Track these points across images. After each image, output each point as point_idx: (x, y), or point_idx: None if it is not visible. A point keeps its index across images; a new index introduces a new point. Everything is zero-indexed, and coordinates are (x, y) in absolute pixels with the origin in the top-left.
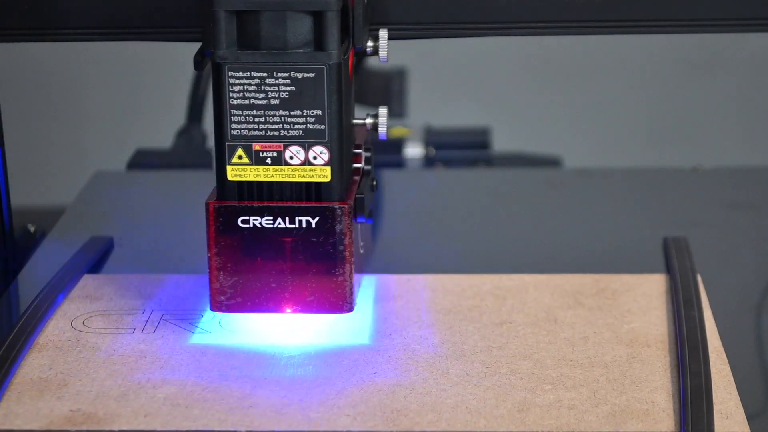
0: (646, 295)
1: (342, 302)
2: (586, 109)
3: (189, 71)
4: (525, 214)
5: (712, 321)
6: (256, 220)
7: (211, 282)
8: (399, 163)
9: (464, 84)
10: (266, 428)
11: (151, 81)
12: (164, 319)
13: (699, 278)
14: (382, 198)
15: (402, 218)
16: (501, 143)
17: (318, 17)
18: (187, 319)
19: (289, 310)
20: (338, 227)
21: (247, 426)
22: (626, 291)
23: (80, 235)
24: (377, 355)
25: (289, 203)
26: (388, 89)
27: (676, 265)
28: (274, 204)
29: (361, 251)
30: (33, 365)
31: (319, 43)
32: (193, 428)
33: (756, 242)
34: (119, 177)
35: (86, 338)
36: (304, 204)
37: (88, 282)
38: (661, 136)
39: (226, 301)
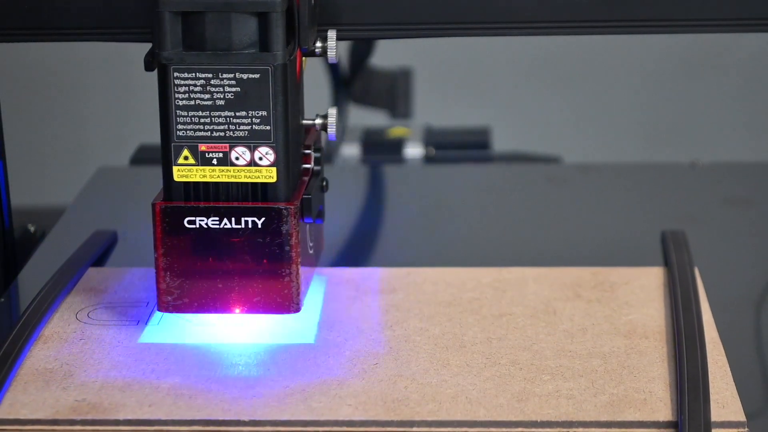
0: (644, 287)
1: (288, 302)
2: (586, 109)
3: None
4: (525, 209)
5: (709, 313)
6: (203, 220)
7: (157, 282)
8: (399, 163)
9: (464, 84)
10: (269, 417)
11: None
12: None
13: (696, 271)
14: (384, 193)
15: (402, 212)
16: (501, 143)
17: (263, 18)
18: None
19: (237, 311)
20: (284, 228)
21: (251, 415)
22: (624, 284)
23: (84, 229)
24: (378, 346)
25: (235, 204)
26: (394, 90)
27: (674, 259)
28: (221, 204)
29: (311, 252)
30: (38, 356)
31: (264, 44)
32: (197, 418)
33: (753, 237)
34: (122, 172)
35: (91, 330)
36: (250, 204)
37: (92, 275)
38: (660, 136)
39: (173, 302)
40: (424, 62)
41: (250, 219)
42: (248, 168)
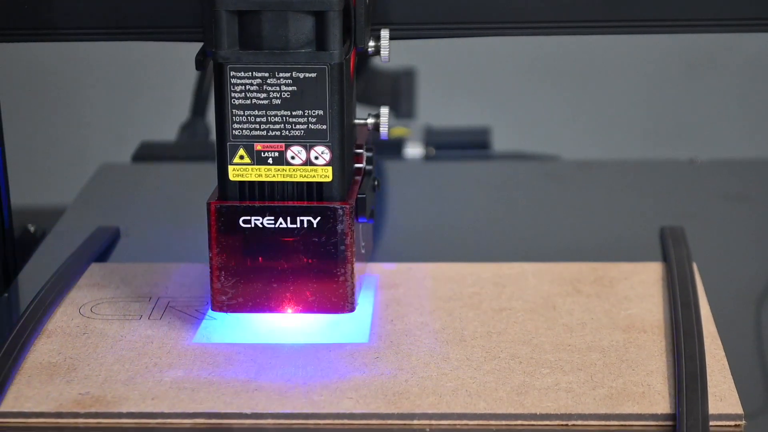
0: (643, 282)
1: (343, 302)
2: (586, 109)
3: (193, 67)
4: (525, 205)
5: (708, 308)
6: (258, 220)
7: (212, 282)
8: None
9: (464, 84)
10: (271, 410)
11: (155, 76)
12: (170, 306)
13: (695, 267)
14: (385, 189)
15: (403, 209)
16: (501, 143)
17: (320, 17)
18: (192, 306)
19: (290, 311)
20: (339, 227)
21: (252, 408)
22: (623, 279)
23: (87, 226)
24: (379, 340)
25: (291, 203)
26: (397, 89)
27: (673, 254)
28: (276, 204)
29: (363, 251)
30: (42, 350)
31: (320, 42)
32: (199, 411)
33: (750, 232)
34: (124, 169)
35: (94, 324)
36: (305, 204)
37: (95, 270)
38: (659, 135)
39: (227, 302)
40: (424, 62)
41: (305, 218)
42: (304, 167)
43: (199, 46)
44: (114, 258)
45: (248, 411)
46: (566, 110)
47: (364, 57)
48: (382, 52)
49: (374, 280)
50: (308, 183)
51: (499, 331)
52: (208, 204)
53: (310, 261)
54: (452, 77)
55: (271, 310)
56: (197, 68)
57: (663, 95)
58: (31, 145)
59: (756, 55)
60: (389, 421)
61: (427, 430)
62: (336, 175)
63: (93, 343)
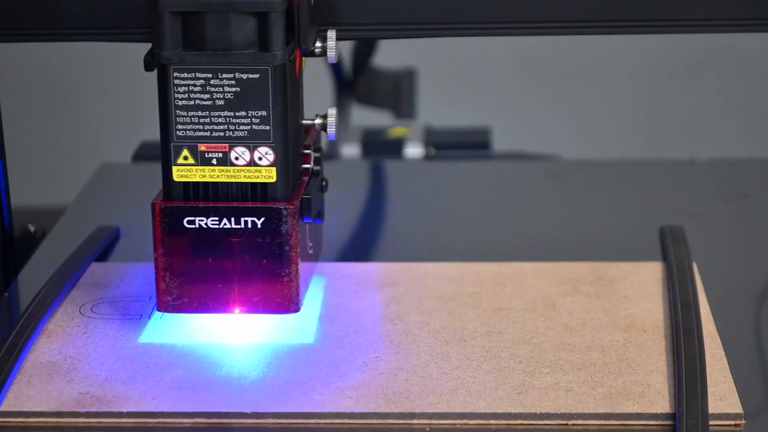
0: (642, 282)
1: (288, 302)
2: (586, 109)
3: None
4: (524, 205)
5: (707, 307)
6: (202, 220)
7: (157, 282)
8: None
9: (464, 84)
10: (271, 410)
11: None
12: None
13: (695, 266)
14: (385, 189)
15: (403, 208)
16: (501, 143)
17: (262, 18)
18: None
19: (236, 311)
20: (284, 228)
21: (253, 408)
22: (623, 278)
23: (86, 226)
24: (379, 339)
25: (235, 204)
26: (398, 90)
27: (672, 253)
28: (220, 204)
29: (310, 251)
30: (43, 350)
31: (263, 44)
32: (200, 410)
33: (750, 231)
34: (124, 169)
35: (94, 324)
36: (249, 204)
37: (95, 270)
38: (659, 135)
39: (172, 302)
40: (424, 62)
41: (249, 219)
42: (248, 168)
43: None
44: (114, 258)
45: (248, 410)
46: (566, 110)
47: (363, 59)
48: (328, 53)
49: (323, 282)
50: (252, 183)
51: (499, 331)
52: (153, 204)
53: (255, 261)
54: (452, 77)
55: (216, 310)
56: (146, 69)
57: (663, 95)
58: (31, 145)
59: (756, 55)
60: (389, 421)
61: (428, 429)
62: (280, 175)
63: (93, 342)
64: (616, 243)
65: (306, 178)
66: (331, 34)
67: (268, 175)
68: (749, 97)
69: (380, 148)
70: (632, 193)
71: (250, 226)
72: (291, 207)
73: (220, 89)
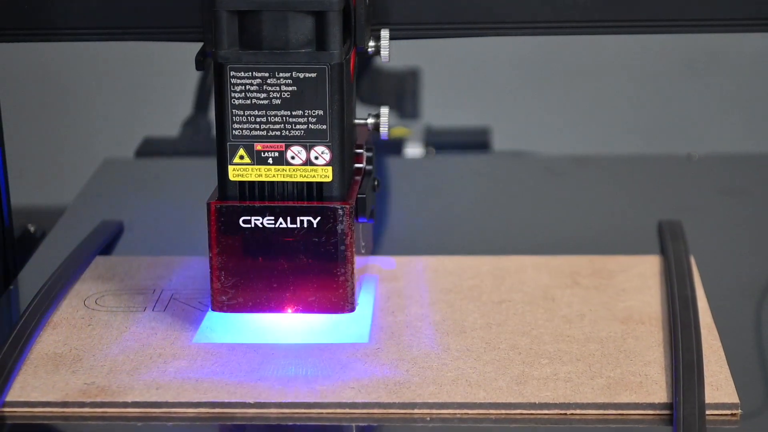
0: (640, 275)
1: (344, 302)
2: (586, 109)
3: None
4: (524, 199)
5: (704, 299)
6: (258, 220)
7: (212, 282)
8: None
9: (464, 84)
10: (274, 400)
11: (158, 72)
12: (174, 299)
13: (692, 260)
14: (385, 184)
15: (404, 202)
16: (501, 143)
17: (320, 17)
18: (196, 298)
19: (290, 311)
20: (340, 227)
21: (256, 398)
22: (622, 271)
23: (91, 220)
24: (380, 331)
25: (291, 203)
26: (402, 90)
27: (670, 247)
28: (276, 204)
29: (363, 251)
30: (48, 341)
31: (320, 42)
32: (203, 400)
33: (746, 226)
34: (128, 164)
35: (99, 316)
36: (305, 204)
37: (99, 263)
38: (657, 132)
39: (227, 302)
40: (424, 62)
41: (305, 218)
42: (304, 167)
43: (199, 45)
44: (118, 252)
45: (251, 400)
46: (566, 110)
47: (365, 57)
48: (382, 52)
49: (374, 281)
50: (308, 183)
51: (498, 323)
52: (208, 204)
53: (310, 261)
54: (452, 77)
55: (271, 310)
56: (197, 68)
57: (660, 92)
58: (31, 145)
59: (752, 53)
60: (391, 411)
61: (428, 419)
62: (336, 175)
63: (98, 334)
64: (614, 237)
65: (358, 178)
66: (385, 33)
67: (324, 174)
68: (746, 94)
69: (380, 148)
70: (631, 189)
71: (306, 225)
72: (347, 206)
73: (277, 88)
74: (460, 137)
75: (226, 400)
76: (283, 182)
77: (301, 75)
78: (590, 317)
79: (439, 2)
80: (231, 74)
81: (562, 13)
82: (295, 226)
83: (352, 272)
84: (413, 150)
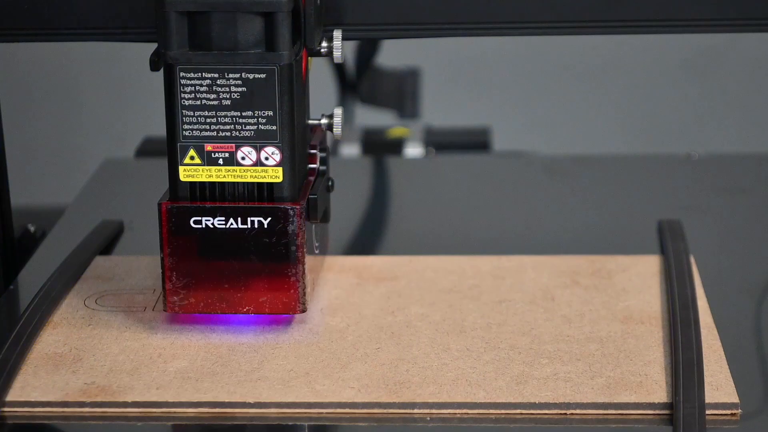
0: (640, 274)
1: (295, 303)
2: (586, 109)
3: None
4: (523, 199)
5: (704, 299)
6: (209, 220)
7: (164, 283)
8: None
9: (464, 84)
10: (274, 399)
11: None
12: None
13: (692, 259)
14: (386, 185)
15: (404, 202)
16: (501, 143)
17: (269, 18)
18: None
19: (243, 311)
20: (290, 228)
21: (256, 397)
22: (621, 271)
23: (90, 220)
24: (380, 331)
25: (242, 204)
26: (402, 90)
27: (670, 246)
28: (227, 204)
29: (316, 251)
30: (48, 341)
31: (270, 43)
32: (204, 400)
33: (746, 225)
34: (127, 164)
35: (99, 316)
36: (256, 204)
37: (99, 263)
38: (657, 131)
39: (179, 302)
40: (424, 62)
41: (256, 219)
42: (254, 168)
43: None
44: (118, 251)
45: (252, 400)
46: (566, 110)
47: (367, 59)
48: (334, 53)
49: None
50: (259, 183)
51: (498, 323)
52: (159, 204)
53: (261, 262)
54: (452, 77)
55: (223, 310)
56: (152, 69)
57: (660, 92)
58: (31, 145)
59: (752, 52)
60: (390, 410)
61: (428, 418)
62: (286, 175)
63: (98, 334)
64: (614, 237)
65: (311, 178)
66: (337, 33)
67: (274, 175)
68: (746, 94)
69: (380, 147)
70: (630, 188)
71: (257, 226)
72: (298, 207)
73: (227, 89)
74: (460, 137)
75: (226, 400)
76: (233, 183)
77: (251, 76)
78: (590, 317)
79: (395, 3)
80: (181, 75)
81: (562, 13)
82: (246, 226)
83: (304, 272)
84: (413, 150)
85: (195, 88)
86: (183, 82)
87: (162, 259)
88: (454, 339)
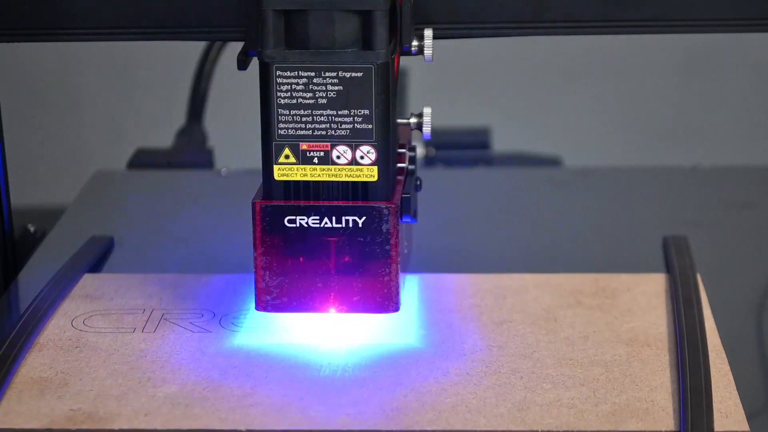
0: (645, 294)
1: (388, 302)
2: (586, 110)
3: (189, 70)
4: (525, 214)
5: (712, 320)
6: (303, 219)
7: (256, 282)
8: None
9: (465, 84)
10: (266, 427)
11: (151, 80)
12: (164, 319)
13: (699, 277)
14: None
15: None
16: (501, 143)
17: (366, 16)
18: (187, 318)
19: (334, 310)
20: (385, 227)
21: (248, 425)
22: (626, 290)
23: (81, 235)
24: (377, 354)
25: (336, 203)
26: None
27: (676, 264)
28: (321, 203)
29: (405, 251)
30: (33, 364)
31: (367, 42)
32: (194, 427)
33: (755, 241)
34: (120, 176)
35: (87, 337)
36: (351, 203)
37: (88, 281)
38: (662, 142)
39: (271, 301)
40: (423, 61)
41: (351, 218)
42: (349, 167)
43: (196, 45)
44: (108, 268)
45: (243, 428)
46: (566, 110)
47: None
48: (425, 52)
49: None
50: (353, 182)
51: (499, 345)
52: (253, 203)
53: (355, 261)
54: (452, 77)
55: (315, 309)
56: (239, 68)
57: (666, 101)
58: (30, 146)
59: (761, 60)
60: None
61: None
62: (381, 174)
63: (85, 357)
64: (618, 253)
65: (401, 178)
66: (428, 32)
67: (369, 174)
68: (753, 104)
69: None
70: (635, 202)
71: (351, 225)
72: (392, 206)
73: (323, 88)
74: (460, 137)
75: (218, 428)
76: (328, 182)
77: (348, 74)
78: (594, 339)
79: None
80: (277, 74)
81: (563, 13)
82: (340, 225)
83: (397, 272)
84: None
85: (291, 87)
86: (279, 80)
87: (255, 258)
88: (453, 362)
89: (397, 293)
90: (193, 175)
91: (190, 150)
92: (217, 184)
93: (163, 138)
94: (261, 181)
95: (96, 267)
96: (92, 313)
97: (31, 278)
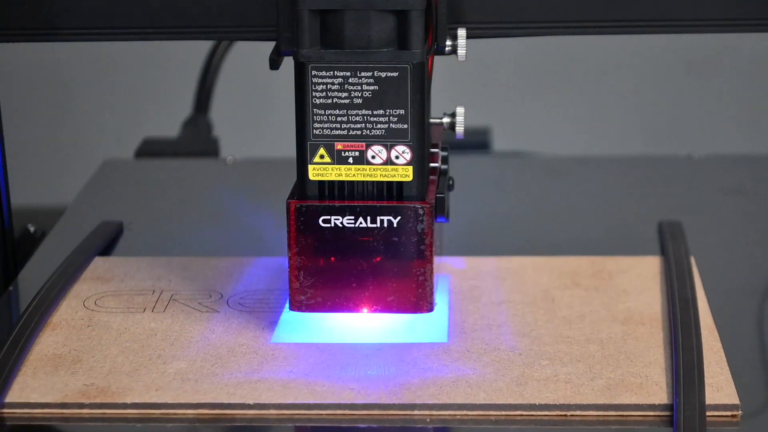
0: (641, 276)
1: (422, 302)
2: (586, 109)
3: (195, 62)
4: (524, 200)
5: (705, 300)
6: (338, 219)
7: (290, 282)
8: None
9: (464, 84)
10: (273, 401)
11: (158, 72)
12: (173, 299)
13: (692, 260)
14: None
15: None
16: (501, 143)
17: (402, 16)
18: (195, 299)
19: (368, 311)
20: (420, 227)
21: (255, 399)
22: (622, 272)
23: (90, 221)
24: (380, 333)
25: (371, 202)
26: None
27: (671, 248)
28: (356, 203)
29: (438, 251)
30: (47, 342)
31: (402, 41)
32: (203, 401)
33: (747, 226)
34: (127, 165)
35: (98, 317)
36: (386, 203)
37: (98, 264)
38: (657, 132)
39: (305, 301)
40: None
41: (386, 218)
42: (384, 167)
43: (196, 45)
44: (117, 252)
45: (251, 402)
46: (566, 110)
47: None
48: (459, 51)
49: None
50: (388, 182)
51: (498, 324)
52: (288, 203)
53: (389, 261)
54: (452, 77)
55: (349, 309)
56: (271, 67)
57: (661, 93)
58: (31, 145)
59: (753, 53)
60: (390, 412)
61: (428, 420)
62: (416, 174)
63: (97, 335)
64: (615, 238)
65: (434, 177)
66: (462, 32)
67: (404, 173)
68: (747, 94)
69: None
70: (631, 189)
71: (386, 225)
72: (427, 206)
73: (359, 87)
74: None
75: (226, 401)
76: (363, 182)
77: (383, 74)
78: (590, 318)
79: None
80: (312, 73)
81: (562, 13)
82: (375, 225)
83: (432, 272)
84: None
85: (326, 87)
86: (314, 80)
87: (289, 258)
88: (454, 340)
89: (432, 293)
90: (198, 163)
91: (196, 139)
92: (222, 172)
93: (170, 128)
94: (266, 169)
95: (106, 251)
96: (103, 294)
97: (43, 261)
